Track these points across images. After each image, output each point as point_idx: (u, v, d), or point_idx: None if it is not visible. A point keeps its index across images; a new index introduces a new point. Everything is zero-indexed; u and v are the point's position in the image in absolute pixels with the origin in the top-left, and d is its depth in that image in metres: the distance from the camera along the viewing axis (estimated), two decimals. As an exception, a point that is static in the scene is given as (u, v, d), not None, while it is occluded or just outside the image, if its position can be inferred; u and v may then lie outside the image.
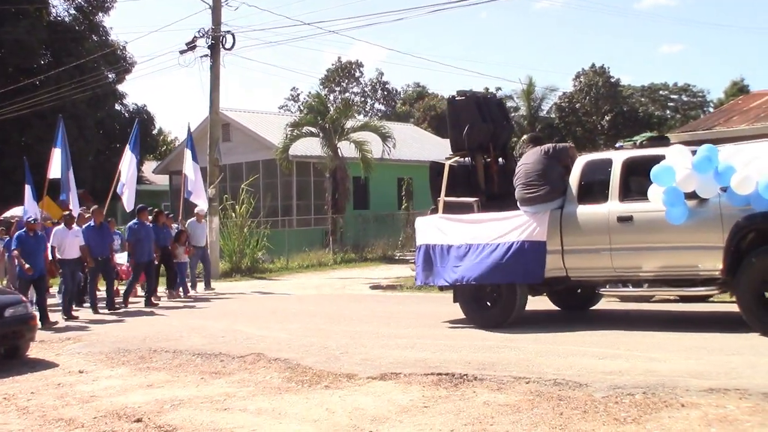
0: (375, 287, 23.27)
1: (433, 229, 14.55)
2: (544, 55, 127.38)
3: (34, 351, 13.60)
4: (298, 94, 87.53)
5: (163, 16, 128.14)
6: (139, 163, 47.44)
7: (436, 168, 15.49)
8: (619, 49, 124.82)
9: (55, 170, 24.75)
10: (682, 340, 10.90)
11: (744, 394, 7.63)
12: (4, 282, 24.03)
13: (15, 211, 28.58)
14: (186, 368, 11.32)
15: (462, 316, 13.90)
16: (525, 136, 15.53)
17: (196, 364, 11.51)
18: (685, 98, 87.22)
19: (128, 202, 24.33)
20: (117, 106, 51.29)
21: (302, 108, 57.80)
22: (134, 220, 20.92)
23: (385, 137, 35.09)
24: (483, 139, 15.30)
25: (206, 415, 8.39)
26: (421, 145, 47.82)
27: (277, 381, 9.96)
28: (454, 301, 14.18)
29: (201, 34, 29.59)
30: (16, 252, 17.52)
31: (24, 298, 14.26)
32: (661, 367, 9.15)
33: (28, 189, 23.90)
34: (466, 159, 15.45)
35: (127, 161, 24.77)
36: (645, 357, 9.80)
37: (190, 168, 25.60)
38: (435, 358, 10.59)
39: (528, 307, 13.60)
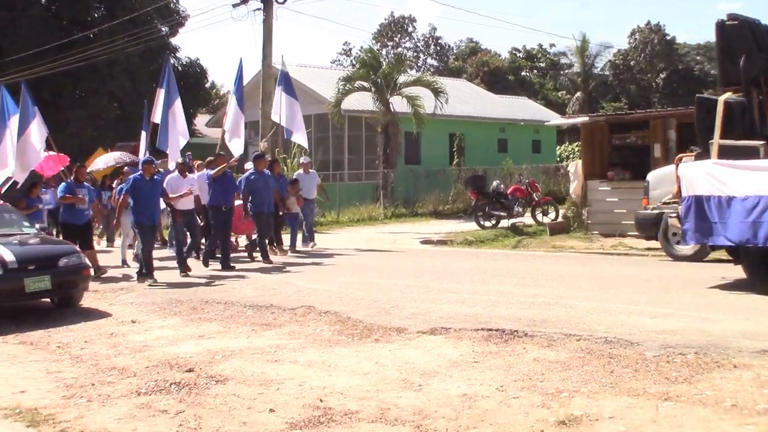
0: (425, 242, 23.31)
1: (705, 177, 12.25)
2: (599, 12, 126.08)
3: (87, 300, 13.74)
4: (350, 49, 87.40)
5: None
6: (192, 116, 47.79)
7: (705, 104, 13.31)
8: (675, 7, 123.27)
9: (158, 114, 23.09)
10: (736, 301, 10.82)
11: (798, 356, 7.55)
12: (97, 233, 24.05)
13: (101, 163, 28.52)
14: (237, 319, 11.39)
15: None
16: None
17: (247, 316, 11.58)
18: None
19: (235, 149, 22.44)
20: (170, 60, 51.44)
21: (354, 62, 57.71)
22: (250, 170, 19.38)
23: (437, 92, 34.90)
24: (757, 71, 13.09)
25: (257, 366, 8.44)
26: (473, 101, 47.57)
27: (328, 334, 10.00)
28: (736, 263, 12.78)
29: (255, -12, 29.61)
30: (125, 195, 16.13)
31: (77, 248, 14.30)
32: (714, 327, 9.07)
33: (143, 136, 23.57)
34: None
35: (233, 108, 22.93)
36: (697, 317, 9.73)
37: (284, 105, 23.79)
38: (485, 313, 10.56)
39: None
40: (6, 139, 20.17)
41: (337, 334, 9.94)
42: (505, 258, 18.66)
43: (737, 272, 13.25)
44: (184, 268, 16.67)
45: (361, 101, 36.64)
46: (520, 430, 6.06)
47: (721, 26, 13.48)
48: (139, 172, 16.27)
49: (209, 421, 6.70)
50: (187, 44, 70.87)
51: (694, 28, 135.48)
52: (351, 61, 78.20)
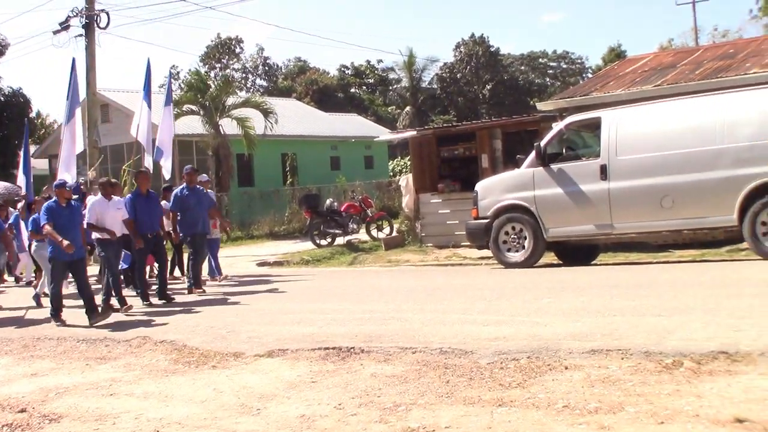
0: (262, 264, 23.27)
1: None
2: (424, 27, 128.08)
3: None
4: (178, 73, 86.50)
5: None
6: (16, 147, 46.44)
7: None
8: (498, 18, 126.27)
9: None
10: (565, 304, 11.08)
11: (626, 353, 7.75)
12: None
13: None
14: (71, 355, 11.09)
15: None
16: None
17: (80, 351, 11.28)
18: (564, 65, 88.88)
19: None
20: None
21: (182, 86, 57.15)
22: (181, 186, 17.55)
23: (267, 113, 34.92)
24: None
25: (92, 402, 8.23)
26: (304, 121, 47.73)
27: (164, 363, 9.84)
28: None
29: (75, 14, 29.02)
30: (48, 227, 13.57)
31: None
32: (545, 331, 9.26)
33: (21, 160, 21.79)
34: None
35: (146, 117, 20.84)
36: (529, 322, 9.92)
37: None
38: (322, 332, 10.55)
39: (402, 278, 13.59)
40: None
41: (174, 363, 9.79)
42: (341, 275, 18.77)
43: (565, 275, 13.65)
44: (112, 305, 14.62)
45: (190, 125, 36.35)
46: (359, 447, 6.08)
47: None
48: (53, 199, 14.11)
49: (42, 462, 6.53)
50: (9, 74, 69.01)
51: (520, 40, 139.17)
52: (179, 84, 77.47)
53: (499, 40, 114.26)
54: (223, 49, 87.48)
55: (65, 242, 13.30)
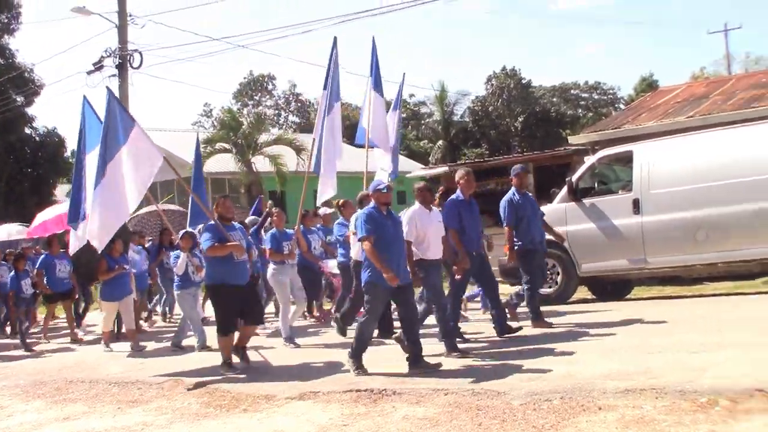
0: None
1: None
2: (456, 60, 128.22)
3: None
4: (211, 110, 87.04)
5: (70, 36, 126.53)
6: (52, 186, 46.76)
7: None
8: (531, 50, 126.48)
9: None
10: (599, 341, 10.99)
11: (660, 393, 7.66)
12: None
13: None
14: (103, 398, 11.10)
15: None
16: None
17: (113, 394, 11.29)
18: (596, 96, 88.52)
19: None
20: (27, 130, 50.36)
21: (215, 124, 57.53)
22: (512, 190, 13.90)
23: (299, 150, 35.04)
24: None
25: (123, 447, 8.25)
26: (336, 156, 47.84)
27: (195, 407, 9.82)
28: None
29: (108, 54, 29.19)
30: (369, 242, 10.31)
31: None
32: (579, 369, 9.18)
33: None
34: None
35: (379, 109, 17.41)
36: (562, 360, 9.84)
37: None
38: (353, 373, 10.49)
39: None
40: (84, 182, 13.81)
41: (205, 406, 9.77)
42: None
43: (599, 311, 13.56)
44: (453, 347, 11.28)
45: (224, 163, 36.55)
46: (390, 493, 6.03)
47: None
48: (372, 205, 10.78)
49: None
50: (45, 113, 69.75)
51: (548, 71, 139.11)
52: (212, 122, 77.91)
53: (531, 72, 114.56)
54: (255, 86, 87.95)
55: (389, 273, 10.14)
